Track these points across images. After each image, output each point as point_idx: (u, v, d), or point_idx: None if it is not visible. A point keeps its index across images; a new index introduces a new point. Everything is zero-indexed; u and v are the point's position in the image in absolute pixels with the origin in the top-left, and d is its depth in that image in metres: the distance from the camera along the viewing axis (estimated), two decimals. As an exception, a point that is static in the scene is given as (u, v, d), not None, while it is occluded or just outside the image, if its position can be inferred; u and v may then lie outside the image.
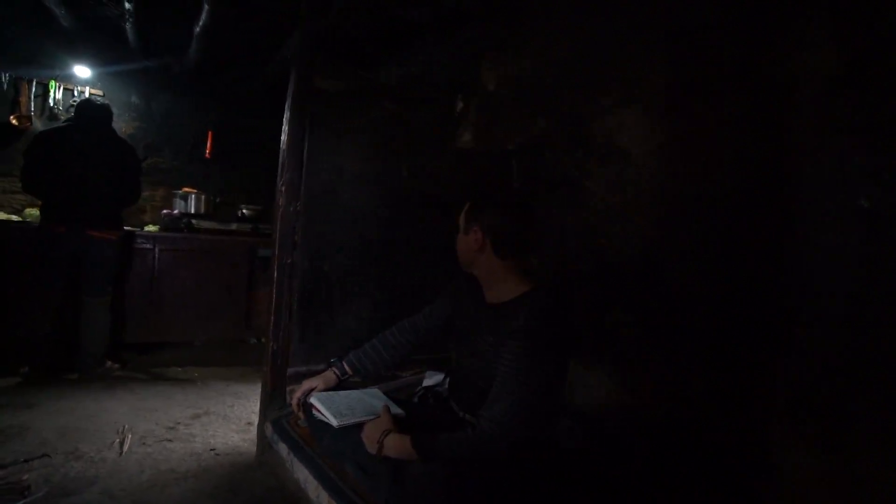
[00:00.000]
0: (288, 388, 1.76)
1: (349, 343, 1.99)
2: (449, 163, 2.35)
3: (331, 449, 1.31)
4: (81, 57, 3.46)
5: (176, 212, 3.51)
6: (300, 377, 1.83)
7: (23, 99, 3.30)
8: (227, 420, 2.28)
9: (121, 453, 1.87)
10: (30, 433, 1.97)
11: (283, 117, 1.69)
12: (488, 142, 2.40)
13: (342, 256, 1.91)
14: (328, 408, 1.34)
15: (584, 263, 1.90)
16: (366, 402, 1.44)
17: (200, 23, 2.86)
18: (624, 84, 1.77)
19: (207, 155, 3.96)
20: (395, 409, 1.38)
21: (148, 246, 3.22)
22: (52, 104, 3.40)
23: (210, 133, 3.95)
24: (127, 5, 2.78)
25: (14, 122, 3.20)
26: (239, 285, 3.51)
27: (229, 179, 4.09)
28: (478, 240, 1.24)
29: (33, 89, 3.35)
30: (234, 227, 3.62)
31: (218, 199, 3.74)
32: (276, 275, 1.63)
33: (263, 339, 3.65)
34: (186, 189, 3.64)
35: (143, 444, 1.97)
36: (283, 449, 1.49)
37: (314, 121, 1.77)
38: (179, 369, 3.02)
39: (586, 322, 1.82)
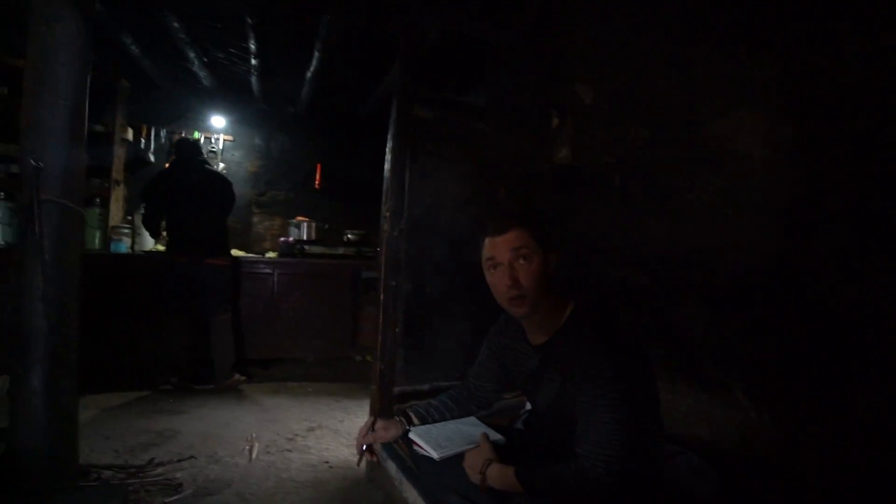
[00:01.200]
0: (395, 408, 1.82)
1: (451, 365, 2.03)
2: (546, 180, 2.31)
3: (434, 482, 1.30)
4: (217, 109, 4.02)
5: (291, 239, 3.87)
6: (406, 396, 1.89)
7: (174, 149, 3.91)
8: (338, 434, 2.41)
9: (250, 460, 2.06)
10: (180, 436, 2.26)
11: (382, 147, 1.79)
12: (587, 156, 2.32)
13: (443, 279, 1.95)
14: (427, 441, 1.33)
15: (689, 275, 1.74)
16: (463, 432, 1.41)
17: (311, 69, 3.17)
18: (735, 84, 1.62)
19: (317, 186, 4.33)
20: (495, 436, 1.34)
21: (268, 271, 3.58)
22: (195, 151, 3.98)
23: (318, 166, 4.33)
24: (253, 62, 3.19)
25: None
26: (345, 305, 3.75)
27: (335, 207, 4.43)
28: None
29: (181, 140, 3.95)
30: (340, 251, 3.90)
31: (326, 226, 4.06)
32: (382, 297, 1.71)
33: (368, 357, 3.86)
34: (299, 218, 4.02)
35: (268, 452, 2.15)
36: (392, 467, 1.53)
37: (414, 148, 1.85)
38: (294, 384, 3.28)
39: (687, 340, 1.66)
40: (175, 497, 1.71)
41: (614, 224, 2.17)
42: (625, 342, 1.09)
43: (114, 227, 3.47)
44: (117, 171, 3.59)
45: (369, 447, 1.45)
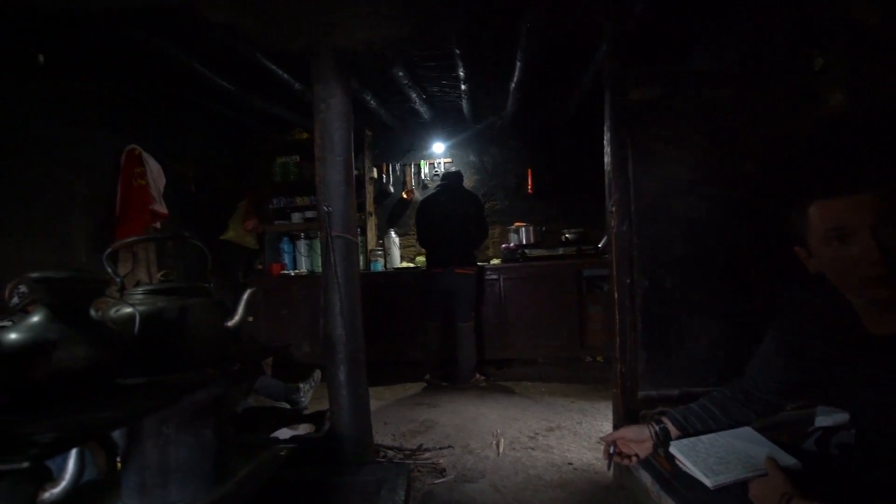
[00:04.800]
0: (640, 413, 1.70)
1: (703, 369, 1.78)
2: (812, 140, 1.83)
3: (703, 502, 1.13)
4: (437, 137, 4.55)
5: (512, 245, 4.06)
6: (652, 402, 1.75)
7: (408, 179, 4.60)
8: (578, 436, 2.39)
9: (498, 454, 2.22)
10: (437, 427, 2.60)
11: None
12: (875, 96, 1.76)
13: (684, 272, 1.73)
14: (695, 462, 1.14)
15: None
16: (739, 450, 1.16)
17: (514, 80, 3.29)
18: None
19: (529, 191, 4.45)
20: (785, 459, 1.08)
21: (494, 277, 3.84)
22: (423, 178, 4.59)
23: (529, 171, 4.45)
24: (462, 87, 3.50)
25: (405, 196, 4.52)
26: (570, 305, 3.73)
27: (550, 209, 4.46)
28: None
29: (412, 170, 4.61)
30: (560, 251, 3.90)
31: (543, 228, 4.13)
32: (616, 295, 1.63)
33: (599, 358, 3.73)
34: (517, 224, 4.20)
35: (513, 448, 2.28)
36: (645, 478, 1.43)
37: (634, 134, 1.72)
38: (528, 384, 3.40)
39: None
40: (441, 480, 1.97)
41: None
42: None
43: (371, 250, 4.26)
44: (369, 205, 4.41)
45: (619, 453, 1.34)
